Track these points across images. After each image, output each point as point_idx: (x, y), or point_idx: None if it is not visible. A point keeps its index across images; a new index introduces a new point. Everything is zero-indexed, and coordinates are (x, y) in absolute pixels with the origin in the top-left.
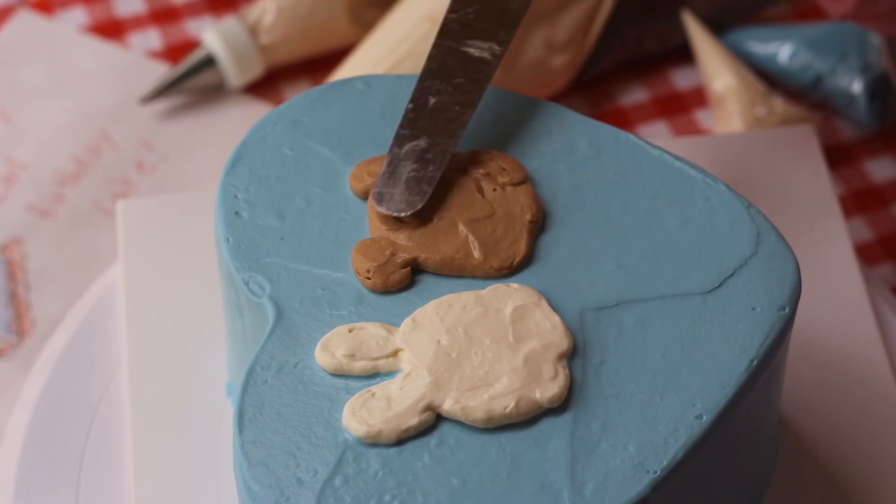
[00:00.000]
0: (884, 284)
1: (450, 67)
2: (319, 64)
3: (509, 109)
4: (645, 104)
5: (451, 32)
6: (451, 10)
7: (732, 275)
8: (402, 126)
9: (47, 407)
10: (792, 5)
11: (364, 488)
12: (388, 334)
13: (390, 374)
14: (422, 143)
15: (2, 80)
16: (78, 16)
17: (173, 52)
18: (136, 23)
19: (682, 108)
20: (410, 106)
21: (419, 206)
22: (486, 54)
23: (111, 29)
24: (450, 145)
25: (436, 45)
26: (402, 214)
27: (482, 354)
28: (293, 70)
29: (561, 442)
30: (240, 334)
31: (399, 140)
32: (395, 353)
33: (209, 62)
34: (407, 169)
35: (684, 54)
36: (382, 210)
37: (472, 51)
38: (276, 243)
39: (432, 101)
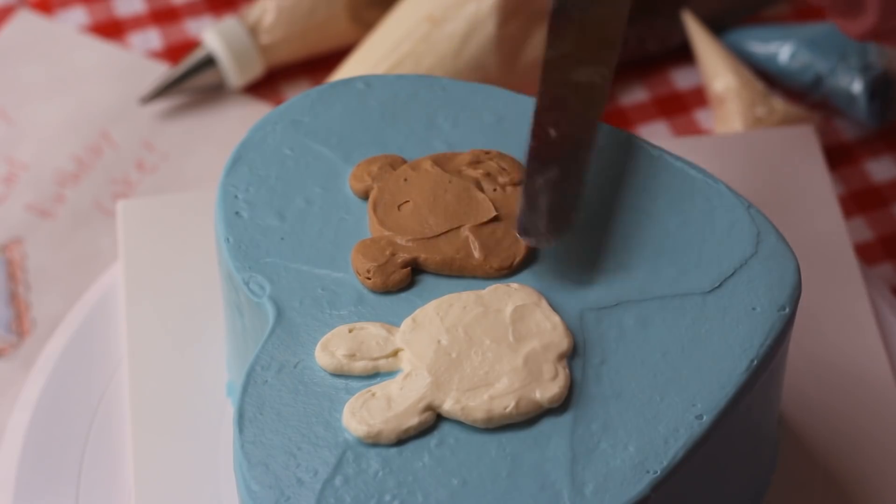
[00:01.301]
0: (884, 284)
1: (562, 98)
2: (319, 64)
3: (509, 109)
4: (645, 104)
5: (555, 66)
6: (549, 46)
7: (732, 275)
8: (528, 162)
9: (47, 407)
10: (792, 5)
11: (364, 488)
12: (389, 334)
13: (390, 374)
14: (553, 173)
15: (2, 80)
16: (78, 16)
17: (173, 52)
18: (136, 23)
19: (682, 108)
20: (533, 143)
21: (566, 234)
22: (595, 78)
23: (111, 29)
24: (580, 171)
25: (543, 81)
26: (550, 245)
27: (482, 354)
28: (293, 70)
29: (561, 442)
30: (240, 334)
31: (530, 174)
32: (395, 353)
33: (209, 62)
34: (546, 201)
35: (684, 54)
36: (532, 243)
37: (580, 78)
38: (276, 243)
39: (553, 133)
